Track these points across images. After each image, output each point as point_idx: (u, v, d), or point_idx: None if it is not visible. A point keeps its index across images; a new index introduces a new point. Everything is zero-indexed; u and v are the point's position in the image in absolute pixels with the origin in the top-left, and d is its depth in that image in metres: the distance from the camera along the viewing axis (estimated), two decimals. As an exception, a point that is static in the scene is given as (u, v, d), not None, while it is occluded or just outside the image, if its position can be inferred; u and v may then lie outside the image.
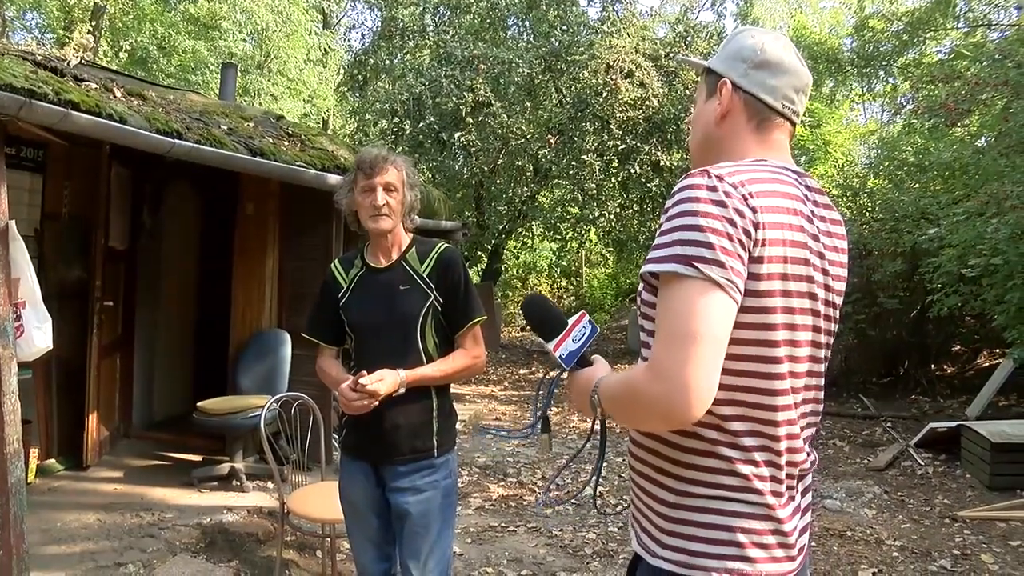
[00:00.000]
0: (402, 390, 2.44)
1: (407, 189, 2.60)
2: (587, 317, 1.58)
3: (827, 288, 1.44)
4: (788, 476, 1.40)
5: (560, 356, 1.54)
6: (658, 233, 1.33)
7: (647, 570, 1.43)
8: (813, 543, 4.61)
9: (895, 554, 4.57)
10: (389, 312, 2.53)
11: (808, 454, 1.45)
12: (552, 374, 1.62)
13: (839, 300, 1.50)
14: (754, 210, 1.29)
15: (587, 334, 1.55)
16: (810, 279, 1.38)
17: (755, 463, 1.36)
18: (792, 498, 1.42)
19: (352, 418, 2.54)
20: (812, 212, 1.43)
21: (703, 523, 1.36)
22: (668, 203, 1.34)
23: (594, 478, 1.67)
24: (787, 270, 1.34)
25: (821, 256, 1.41)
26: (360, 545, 2.68)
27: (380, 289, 2.56)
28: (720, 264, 1.24)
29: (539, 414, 1.63)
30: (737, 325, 1.29)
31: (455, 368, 2.56)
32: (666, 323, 1.27)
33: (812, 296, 1.39)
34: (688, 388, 1.22)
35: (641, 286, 1.42)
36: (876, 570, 4.32)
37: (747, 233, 1.28)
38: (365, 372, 2.40)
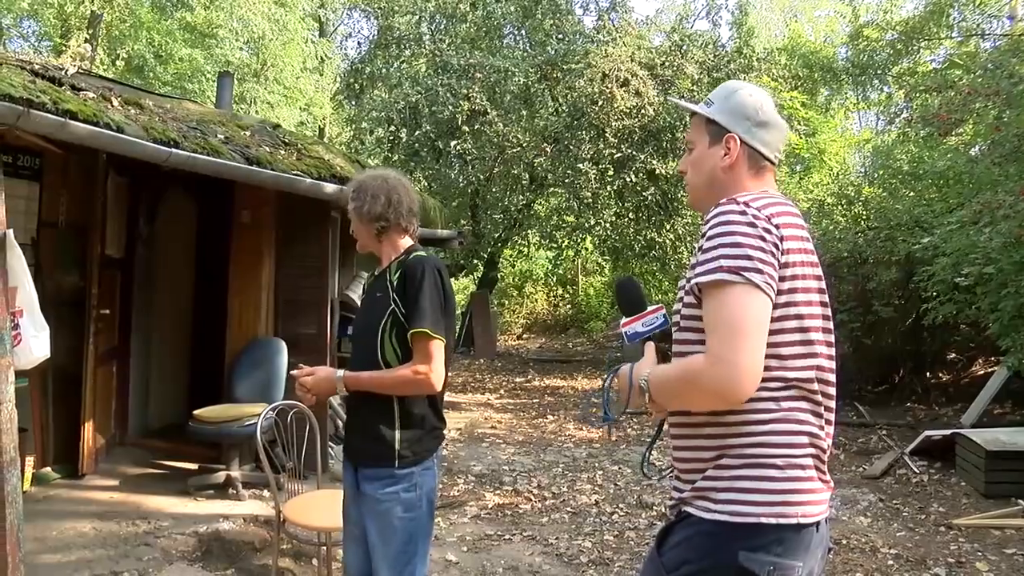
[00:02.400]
0: (340, 389, 2.52)
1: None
2: (663, 311, 1.85)
3: (824, 292, 1.73)
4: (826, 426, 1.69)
5: (625, 332, 1.85)
6: (699, 253, 1.62)
7: (696, 524, 1.63)
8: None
9: (890, 562, 4.58)
10: (363, 319, 2.66)
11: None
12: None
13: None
14: (777, 227, 1.61)
15: (657, 324, 1.82)
16: (821, 289, 1.70)
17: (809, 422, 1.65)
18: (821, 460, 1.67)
19: (347, 420, 2.69)
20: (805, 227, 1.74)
21: (753, 476, 1.60)
22: (705, 228, 1.64)
23: (647, 451, 2.07)
24: (805, 272, 1.65)
25: (816, 265, 1.72)
26: (348, 544, 2.69)
27: (366, 297, 2.72)
28: (759, 271, 1.55)
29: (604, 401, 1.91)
30: (777, 318, 1.60)
31: (392, 378, 2.48)
32: (719, 320, 1.55)
33: (823, 304, 1.71)
34: (742, 370, 1.51)
35: (683, 299, 1.71)
36: (871, 578, 4.33)
37: (776, 247, 1.59)
38: (303, 366, 2.59)
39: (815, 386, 1.65)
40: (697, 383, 1.58)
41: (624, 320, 1.86)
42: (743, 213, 1.60)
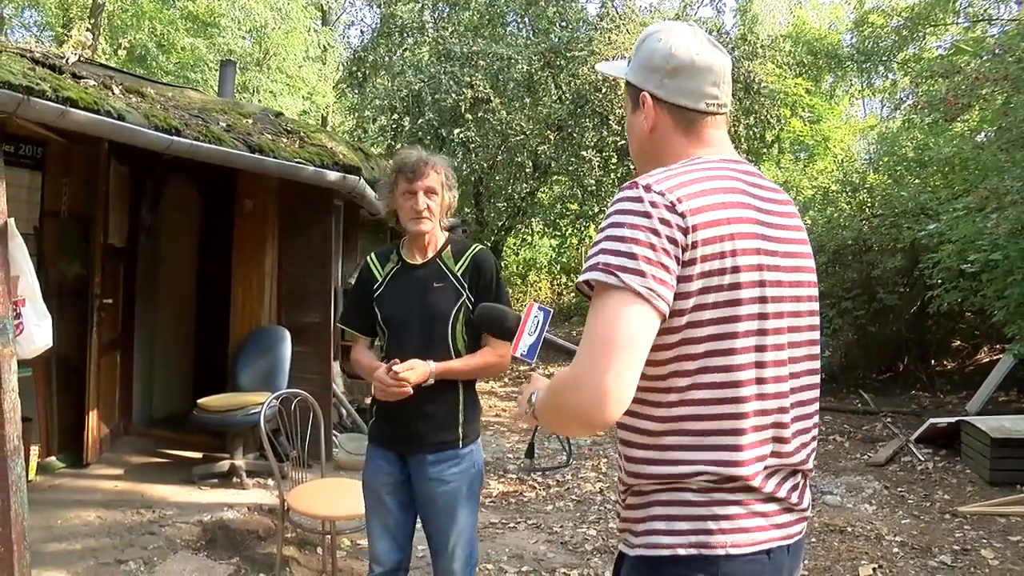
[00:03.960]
0: (431, 381, 2.53)
1: (446, 191, 2.68)
2: (536, 306, 1.63)
3: (796, 269, 1.45)
4: (770, 465, 1.39)
5: (521, 354, 1.62)
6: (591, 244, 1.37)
7: (628, 561, 1.45)
8: (813, 538, 4.62)
9: (895, 550, 4.58)
10: (423, 308, 2.63)
11: (800, 445, 1.44)
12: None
13: (812, 278, 1.50)
14: (683, 215, 1.30)
15: (540, 321, 1.62)
16: (761, 267, 1.38)
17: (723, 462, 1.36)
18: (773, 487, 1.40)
19: (382, 408, 2.64)
20: (756, 199, 1.43)
21: (667, 501, 1.39)
22: (604, 216, 1.38)
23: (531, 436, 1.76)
24: (736, 264, 1.34)
25: (772, 239, 1.42)
26: (377, 534, 2.72)
27: (415, 285, 2.66)
28: (640, 273, 1.27)
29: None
30: (694, 324, 1.33)
31: (481, 364, 2.66)
32: (589, 331, 1.29)
33: (776, 283, 1.40)
34: (605, 394, 1.24)
35: None
36: (876, 566, 4.32)
37: (673, 240, 1.29)
38: (398, 360, 2.50)
39: (768, 411, 1.38)
40: (562, 407, 1.35)
41: (512, 345, 1.64)
42: (639, 200, 1.32)
